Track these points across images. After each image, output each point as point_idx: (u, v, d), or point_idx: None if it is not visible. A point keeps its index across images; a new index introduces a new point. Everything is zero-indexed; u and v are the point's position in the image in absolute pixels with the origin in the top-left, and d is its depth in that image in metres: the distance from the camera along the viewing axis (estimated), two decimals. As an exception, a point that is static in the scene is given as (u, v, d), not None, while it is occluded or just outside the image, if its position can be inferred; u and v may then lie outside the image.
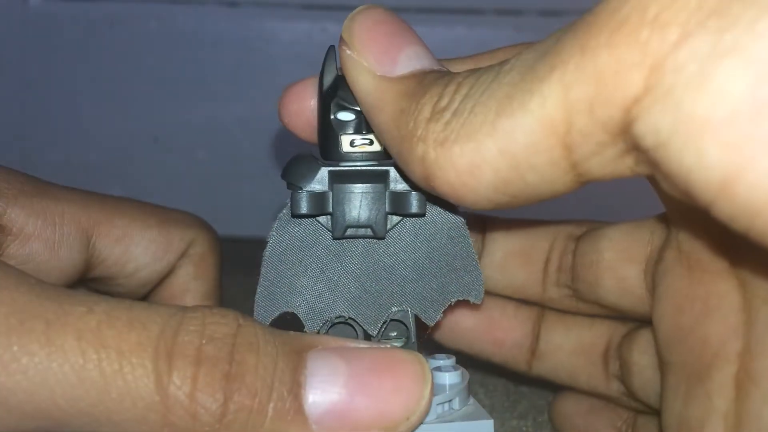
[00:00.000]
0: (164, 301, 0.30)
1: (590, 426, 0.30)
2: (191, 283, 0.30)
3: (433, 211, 0.25)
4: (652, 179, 0.19)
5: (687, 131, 0.15)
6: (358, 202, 0.24)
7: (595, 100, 0.17)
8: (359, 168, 0.24)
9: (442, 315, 0.25)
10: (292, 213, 0.24)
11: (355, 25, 0.22)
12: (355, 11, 0.23)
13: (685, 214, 0.23)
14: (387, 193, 0.24)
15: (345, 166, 0.24)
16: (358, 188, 0.24)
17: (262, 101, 0.55)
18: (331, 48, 0.24)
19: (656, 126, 0.16)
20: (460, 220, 0.25)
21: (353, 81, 0.22)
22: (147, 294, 0.30)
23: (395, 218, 0.25)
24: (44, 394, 0.19)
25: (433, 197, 0.23)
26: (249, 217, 0.55)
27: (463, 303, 0.25)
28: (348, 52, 0.22)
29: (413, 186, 0.24)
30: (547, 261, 0.29)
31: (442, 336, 0.30)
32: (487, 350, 0.31)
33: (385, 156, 0.24)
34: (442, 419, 0.23)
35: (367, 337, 0.25)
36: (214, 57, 0.56)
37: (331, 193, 0.24)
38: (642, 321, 0.27)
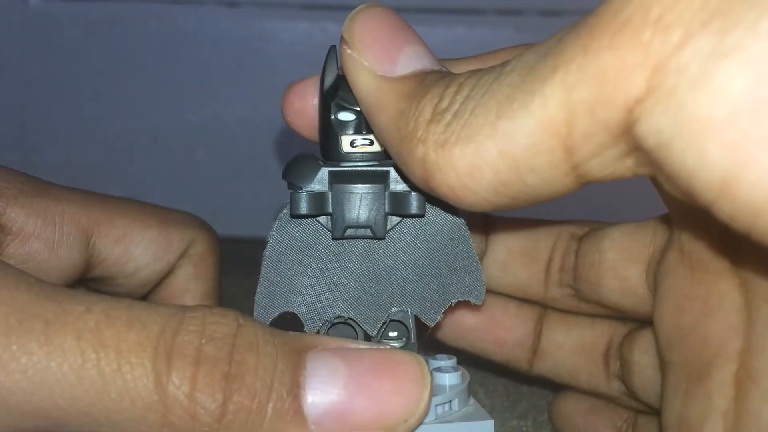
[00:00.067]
0: (164, 301, 0.30)
1: (590, 426, 0.30)
2: (191, 283, 0.30)
3: (434, 212, 0.25)
4: (653, 179, 0.19)
5: (689, 131, 0.15)
6: (358, 202, 0.24)
7: (597, 101, 0.17)
8: (359, 168, 0.24)
9: (442, 316, 0.25)
10: (292, 213, 0.24)
11: (355, 24, 0.22)
12: (355, 10, 0.23)
13: (687, 215, 0.23)
14: (387, 193, 0.24)
15: (345, 167, 0.24)
16: (358, 189, 0.24)
17: (262, 101, 0.55)
18: (332, 48, 0.24)
19: (658, 127, 0.16)
20: (460, 221, 0.25)
21: (353, 81, 0.22)
22: (147, 294, 0.30)
23: (395, 219, 0.25)
24: (43, 394, 0.19)
25: (433, 198, 0.23)
26: (249, 217, 0.55)
27: (464, 302, 0.25)
28: (348, 51, 0.22)
29: (413, 187, 0.24)
30: (550, 261, 0.29)
31: (443, 334, 0.30)
32: (489, 349, 0.31)
33: (385, 156, 0.24)
34: (442, 420, 0.23)
35: (367, 337, 0.25)
36: (214, 57, 0.56)
37: (330, 194, 0.24)
38: (643, 321, 0.27)
